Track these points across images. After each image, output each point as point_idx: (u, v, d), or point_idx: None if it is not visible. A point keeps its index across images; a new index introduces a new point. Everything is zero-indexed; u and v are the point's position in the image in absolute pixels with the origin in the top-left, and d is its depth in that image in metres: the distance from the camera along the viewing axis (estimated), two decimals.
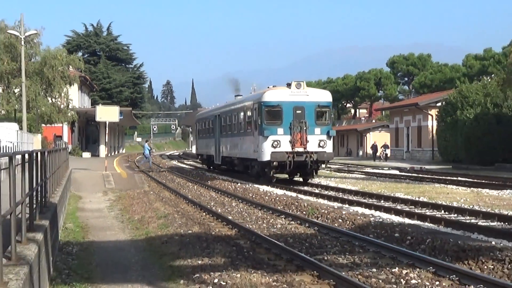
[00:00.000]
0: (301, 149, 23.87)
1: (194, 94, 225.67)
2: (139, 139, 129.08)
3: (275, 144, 23.67)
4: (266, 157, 24.03)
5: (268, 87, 27.15)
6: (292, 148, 23.87)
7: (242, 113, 29.57)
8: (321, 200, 19.51)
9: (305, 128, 23.96)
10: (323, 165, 27.26)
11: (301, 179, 27.47)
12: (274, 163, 23.92)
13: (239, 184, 27.50)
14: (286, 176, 27.70)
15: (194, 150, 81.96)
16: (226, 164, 34.76)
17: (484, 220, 14.64)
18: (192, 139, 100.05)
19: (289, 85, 25.25)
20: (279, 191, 23.21)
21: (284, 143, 23.92)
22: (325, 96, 26.49)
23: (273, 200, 20.31)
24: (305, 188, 24.47)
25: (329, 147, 25.02)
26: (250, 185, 26.35)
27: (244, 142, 28.40)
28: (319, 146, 24.24)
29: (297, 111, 24.34)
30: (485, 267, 9.71)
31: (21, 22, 44.30)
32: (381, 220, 14.35)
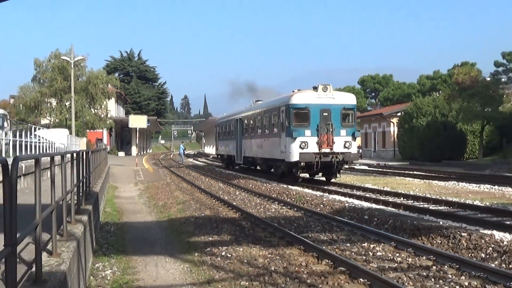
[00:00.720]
0: (327, 150, 20.26)
1: (206, 106, 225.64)
2: (162, 141, 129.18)
3: (303, 145, 20.13)
4: (294, 157, 20.30)
5: (293, 91, 23.04)
6: (319, 149, 20.25)
7: (266, 116, 25.17)
8: (306, 190, 19.53)
9: (331, 129, 20.36)
10: (345, 165, 23.55)
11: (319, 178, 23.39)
12: (302, 163, 20.37)
13: (242, 176, 27.48)
14: (307, 175, 24.07)
15: (213, 151, 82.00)
16: (247, 163, 30.58)
17: (434, 205, 14.63)
18: (204, 141, 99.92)
19: (315, 88, 21.49)
20: (273, 183, 23.15)
21: (312, 144, 20.31)
22: (350, 99, 22.44)
23: (268, 190, 20.35)
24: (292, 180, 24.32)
25: (354, 148, 21.37)
26: (251, 177, 26.27)
27: (270, 143, 24.18)
28: (345, 147, 20.66)
29: (324, 113, 20.77)
30: (435, 242, 9.79)
31: (71, 50, 44.95)
32: (353, 205, 14.39)
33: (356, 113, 23.72)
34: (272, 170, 25.96)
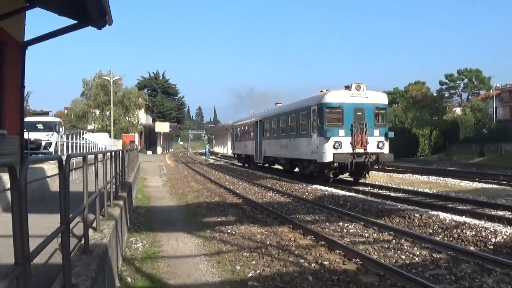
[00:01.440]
0: (361, 151, 16.45)
1: (215, 115, 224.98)
2: (181, 143, 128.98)
3: (337, 145, 16.27)
4: (328, 158, 16.32)
5: (322, 91, 18.50)
6: (353, 150, 16.42)
7: (292, 117, 20.50)
8: (295, 181, 19.45)
9: (365, 129, 16.56)
10: (377, 166, 18.62)
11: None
12: (335, 164, 16.42)
13: (243, 170, 27.42)
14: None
15: (222, 150, 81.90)
16: (268, 163, 25.80)
17: (394, 192, 14.65)
18: (214, 143, 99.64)
19: (348, 87, 17.28)
20: (268, 175, 23.06)
21: (346, 145, 16.44)
22: (383, 99, 18.18)
23: (264, 180, 20.30)
24: (283, 173, 24.22)
25: (386, 148, 17.21)
26: (251, 171, 26.22)
27: (296, 143, 19.63)
28: (378, 147, 16.83)
29: (357, 113, 16.79)
30: (394, 221, 9.77)
31: (111, 72, 45.16)
32: (332, 193, 14.34)
33: (388, 113, 19.36)
34: (297, 170, 21.61)
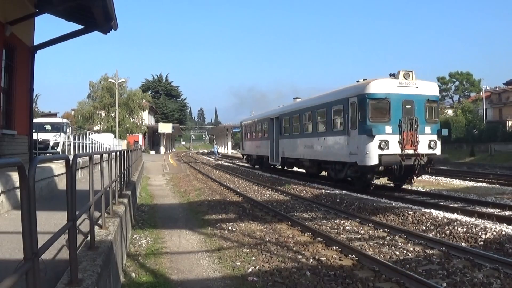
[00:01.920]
0: (411, 151, 13.11)
1: (216, 116, 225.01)
2: (183, 143, 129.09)
3: (383, 145, 12.91)
4: (372, 160, 12.89)
5: (358, 81, 14.92)
6: (402, 150, 13.05)
7: (321, 112, 16.70)
8: (293, 180, 19.42)
9: (415, 126, 13.23)
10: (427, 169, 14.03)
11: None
12: (380, 167, 13.08)
13: (244, 168, 27.39)
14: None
15: (223, 150, 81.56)
16: (287, 165, 21.75)
17: (388, 192, 14.64)
18: (215, 143, 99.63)
19: (393, 75, 13.78)
20: (267, 174, 22.99)
21: (393, 144, 13.05)
22: (434, 89, 14.35)
23: (263, 179, 20.28)
24: (282, 172, 24.18)
25: (439, 149, 13.76)
26: (250, 169, 26.17)
27: (328, 143, 15.90)
28: (430, 147, 13.43)
29: (406, 106, 13.38)
30: (389, 218, 9.74)
31: (116, 74, 45.21)
32: (328, 191, 14.31)
33: (439, 106, 15.88)
34: (324, 173, 18.26)
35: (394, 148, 13.12)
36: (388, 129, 13.25)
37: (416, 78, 13.75)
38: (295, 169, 22.86)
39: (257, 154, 27.04)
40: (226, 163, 37.15)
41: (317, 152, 17.08)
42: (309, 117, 18.17)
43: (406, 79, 13.57)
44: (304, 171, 21.02)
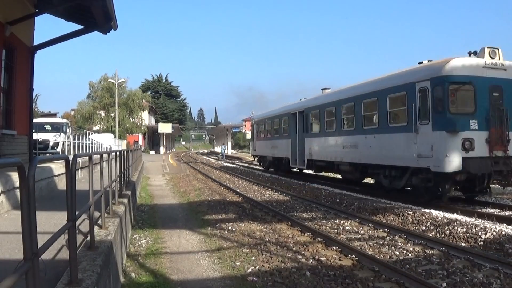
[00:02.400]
0: (500, 153, 9.94)
1: (216, 116, 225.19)
2: (183, 143, 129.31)
3: (467, 145, 9.67)
4: (453, 165, 9.66)
5: (422, 62, 11.48)
6: (490, 152, 9.87)
7: (372, 102, 12.98)
8: (293, 180, 19.42)
9: (505, 119, 10.00)
10: None
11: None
12: (462, 175, 9.87)
13: (243, 168, 27.34)
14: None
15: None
16: (314, 169, 17.87)
17: (387, 192, 14.60)
18: (215, 143, 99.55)
19: (474, 53, 10.54)
20: (267, 174, 22.94)
21: (480, 144, 9.83)
22: None
23: (263, 178, 20.27)
24: (282, 172, 24.15)
25: None
26: (249, 169, 26.14)
27: (382, 142, 12.29)
28: None
29: (494, 93, 10.14)
30: (388, 218, 9.73)
31: (116, 74, 45.28)
32: (328, 191, 14.33)
33: None
34: (368, 180, 15.31)
35: (481, 150, 9.84)
36: (473, 124, 9.92)
37: (503, 58, 10.49)
38: (324, 174, 19.44)
39: (273, 155, 23.01)
40: (226, 163, 37.12)
41: (362, 154, 13.26)
42: (349, 110, 14.24)
43: (492, 58, 10.37)
44: (340, 177, 17.02)
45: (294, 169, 21.14)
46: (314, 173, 19.80)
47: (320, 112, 16.84)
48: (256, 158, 28.13)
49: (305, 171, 16.25)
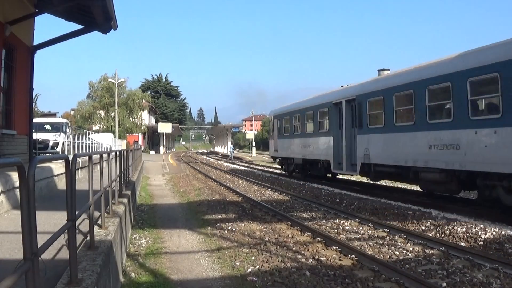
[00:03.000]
0: None
1: (216, 115, 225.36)
2: (183, 143, 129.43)
3: None
4: None
5: None
6: None
7: (483, 80, 8.86)
8: (292, 180, 19.41)
9: None
10: None
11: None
12: None
13: (243, 168, 27.30)
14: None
15: (223, 150, 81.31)
16: (374, 175, 13.59)
17: (387, 192, 14.63)
18: (215, 143, 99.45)
19: None
20: (267, 174, 22.90)
21: None
22: None
23: (263, 178, 20.23)
24: (282, 172, 24.13)
25: None
26: (249, 169, 26.06)
27: None
28: None
29: None
30: (388, 218, 9.73)
31: (116, 74, 45.28)
32: (328, 191, 14.32)
33: None
34: (464, 193, 12.33)
35: None
36: None
37: None
38: (386, 183, 16.16)
39: (303, 157, 18.49)
40: (226, 163, 37.10)
41: (467, 157, 9.37)
42: (443, 94, 10.21)
43: None
44: (419, 188, 12.82)
45: (339, 175, 17.03)
46: (369, 181, 15.01)
47: (386, 99, 12.27)
48: (277, 160, 23.26)
49: (353, 177, 12.80)
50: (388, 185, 16.09)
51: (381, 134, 12.68)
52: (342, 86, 16.45)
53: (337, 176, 18.46)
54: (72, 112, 57.32)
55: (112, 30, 9.52)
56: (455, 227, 8.11)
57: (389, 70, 14.35)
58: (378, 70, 14.68)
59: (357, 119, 14.00)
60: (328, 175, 17.57)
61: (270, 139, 24.22)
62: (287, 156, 20.72)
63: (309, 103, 18.54)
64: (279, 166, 22.95)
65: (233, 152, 51.64)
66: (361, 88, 14.21)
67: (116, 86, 44.39)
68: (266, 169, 27.17)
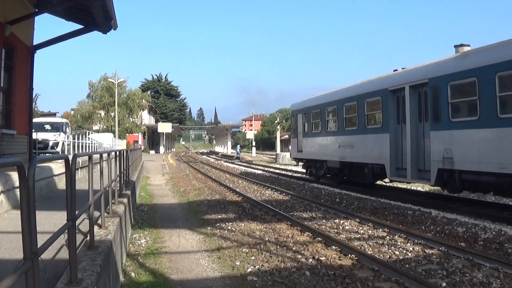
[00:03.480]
0: None
1: (216, 115, 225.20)
2: (183, 142, 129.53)
3: None
4: None
5: None
6: None
7: None
8: (292, 180, 19.41)
9: None
10: None
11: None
12: None
13: (243, 167, 27.24)
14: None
15: (223, 150, 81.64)
16: (460, 185, 9.62)
17: (387, 191, 14.63)
18: (215, 143, 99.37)
19: None
20: (267, 174, 22.90)
21: None
22: None
23: (263, 178, 20.23)
24: (282, 171, 24.17)
25: None
26: (249, 169, 26.05)
27: None
28: None
29: None
30: (388, 218, 9.73)
31: (116, 74, 45.34)
32: (328, 191, 14.31)
33: None
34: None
35: None
36: None
37: None
38: (386, 182, 14.47)
39: (341, 159, 14.84)
40: (226, 163, 37.08)
41: None
42: None
43: None
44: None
45: (401, 184, 13.81)
46: (446, 193, 11.34)
47: (481, 81, 8.88)
48: (300, 162, 19.95)
49: (420, 186, 10.06)
50: (388, 185, 16.10)
51: (476, 130, 9.11)
52: (395, 70, 12.77)
53: (390, 184, 14.91)
54: (72, 112, 57.31)
55: (112, 30, 9.51)
56: (455, 227, 8.12)
57: (469, 45, 10.50)
58: (455, 46, 10.81)
59: (431, 110, 10.46)
60: (377, 182, 13.95)
61: (291, 138, 20.72)
62: (316, 158, 17.25)
63: (350, 92, 14.64)
64: (279, 167, 23.22)
65: (240, 152, 51.57)
66: (437, 68, 10.47)
67: (116, 86, 44.40)
68: (266, 169, 27.16)
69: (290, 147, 20.04)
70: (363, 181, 14.17)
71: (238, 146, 55.82)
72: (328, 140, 16.04)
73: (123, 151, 9.96)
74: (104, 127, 49.63)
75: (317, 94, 18.55)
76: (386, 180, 13.41)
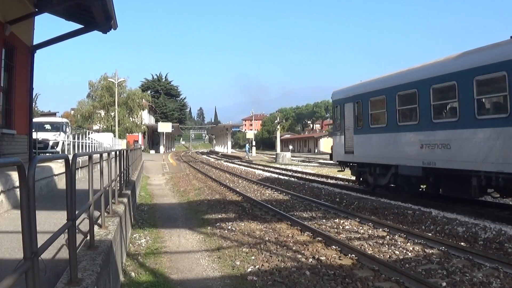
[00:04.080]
0: None
1: (216, 115, 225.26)
2: (183, 142, 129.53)
3: None
4: None
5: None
6: None
7: None
8: (292, 179, 19.43)
9: None
10: None
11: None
12: None
13: (243, 167, 27.23)
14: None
15: (224, 150, 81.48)
16: None
17: (387, 192, 14.61)
18: (215, 142, 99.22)
19: None
20: (267, 173, 22.89)
21: None
22: None
23: (263, 178, 20.23)
24: (281, 171, 24.15)
25: None
26: (249, 169, 26.02)
27: None
28: None
29: None
30: (388, 218, 9.74)
31: (116, 74, 45.41)
32: (328, 191, 14.32)
33: None
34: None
35: None
36: None
37: None
38: None
39: (426, 164, 10.73)
40: (226, 163, 37.07)
41: None
42: None
43: None
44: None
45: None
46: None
47: None
48: (345, 166, 15.69)
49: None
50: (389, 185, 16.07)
51: None
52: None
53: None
54: (72, 112, 57.37)
55: (112, 29, 9.52)
56: (455, 227, 8.12)
57: None
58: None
59: None
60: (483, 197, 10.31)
61: (333, 135, 16.37)
62: (377, 162, 13.07)
63: (438, 69, 10.36)
64: (279, 166, 23.28)
65: (249, 151, 51.40)
66: None
67: (116, 86, 44.46)
68: (266, 168, 27.16)
69: (331, 148, 15.97)
70: (463, 196, 10.32)
71: (247, 145, 55.51)
72: (401, 137, 11.70)
73: (123, 151, 9.96)
74: (104, 127, 49.67)
75: (372, 78, 13.86)
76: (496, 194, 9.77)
